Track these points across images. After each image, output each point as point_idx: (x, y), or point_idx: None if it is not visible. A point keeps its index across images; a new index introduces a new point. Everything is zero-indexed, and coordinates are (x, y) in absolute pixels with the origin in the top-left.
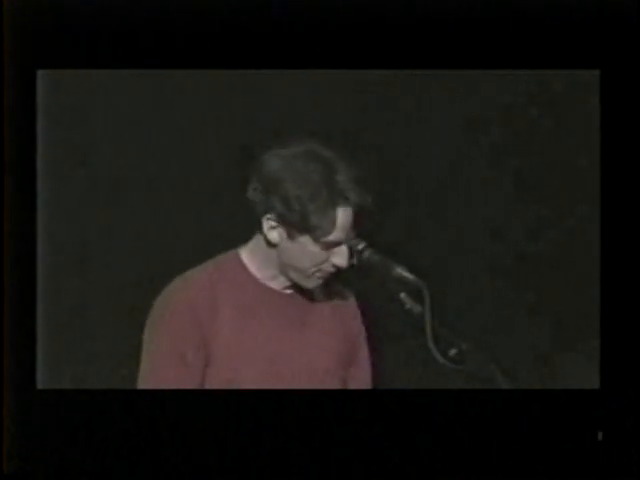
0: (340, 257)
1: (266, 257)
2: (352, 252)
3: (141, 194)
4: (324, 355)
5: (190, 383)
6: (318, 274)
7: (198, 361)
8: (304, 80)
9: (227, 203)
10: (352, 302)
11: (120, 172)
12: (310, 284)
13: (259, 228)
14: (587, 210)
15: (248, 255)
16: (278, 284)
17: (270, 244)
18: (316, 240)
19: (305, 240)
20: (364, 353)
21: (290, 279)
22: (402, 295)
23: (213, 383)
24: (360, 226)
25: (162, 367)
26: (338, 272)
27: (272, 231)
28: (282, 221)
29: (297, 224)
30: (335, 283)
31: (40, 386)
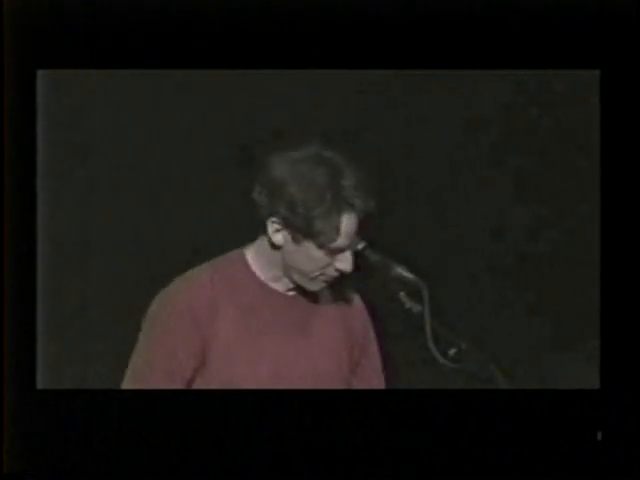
0: (344, 262)
1: (270, 258)
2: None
3: (141, 194)
4: (328, 358)
5: (177, 384)
6: (322, 277)
7: (190, 362)
8: (304, 80)
9: (227, 203)
10: (357, 303)
11: (120, 172)
12: (313, 287)
13: (264, 230)
14: (587, 210)
15: (253, 255)
16: (281, 286)
17: (274, 246)
18: (320, 246)
19: (309, 245)
20: (374, 348)
21: (293, 281)
22: (402, 295)
23: (213, 383)
24: (364, 231)
25: (151, 364)
26: (342, 275)
27: (276, 234)
28: (286, 224)
29: (301, 228)
30: (339, 285)
31: (40, 386)
